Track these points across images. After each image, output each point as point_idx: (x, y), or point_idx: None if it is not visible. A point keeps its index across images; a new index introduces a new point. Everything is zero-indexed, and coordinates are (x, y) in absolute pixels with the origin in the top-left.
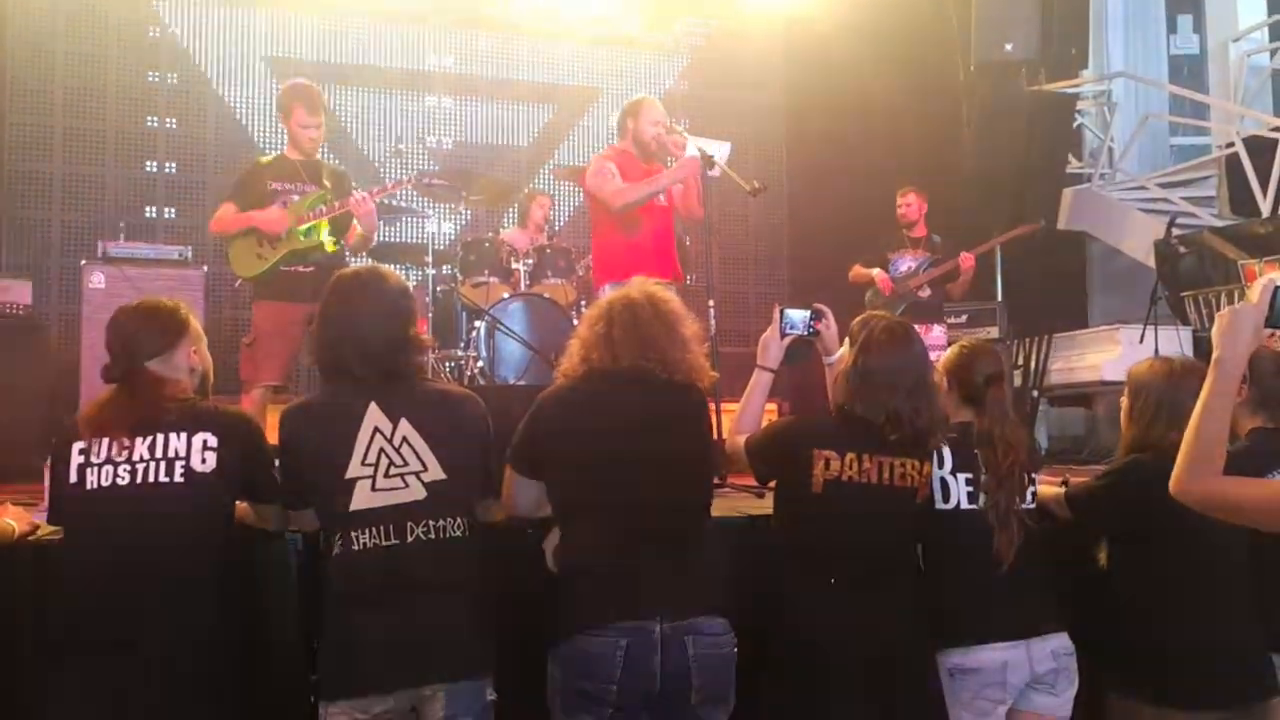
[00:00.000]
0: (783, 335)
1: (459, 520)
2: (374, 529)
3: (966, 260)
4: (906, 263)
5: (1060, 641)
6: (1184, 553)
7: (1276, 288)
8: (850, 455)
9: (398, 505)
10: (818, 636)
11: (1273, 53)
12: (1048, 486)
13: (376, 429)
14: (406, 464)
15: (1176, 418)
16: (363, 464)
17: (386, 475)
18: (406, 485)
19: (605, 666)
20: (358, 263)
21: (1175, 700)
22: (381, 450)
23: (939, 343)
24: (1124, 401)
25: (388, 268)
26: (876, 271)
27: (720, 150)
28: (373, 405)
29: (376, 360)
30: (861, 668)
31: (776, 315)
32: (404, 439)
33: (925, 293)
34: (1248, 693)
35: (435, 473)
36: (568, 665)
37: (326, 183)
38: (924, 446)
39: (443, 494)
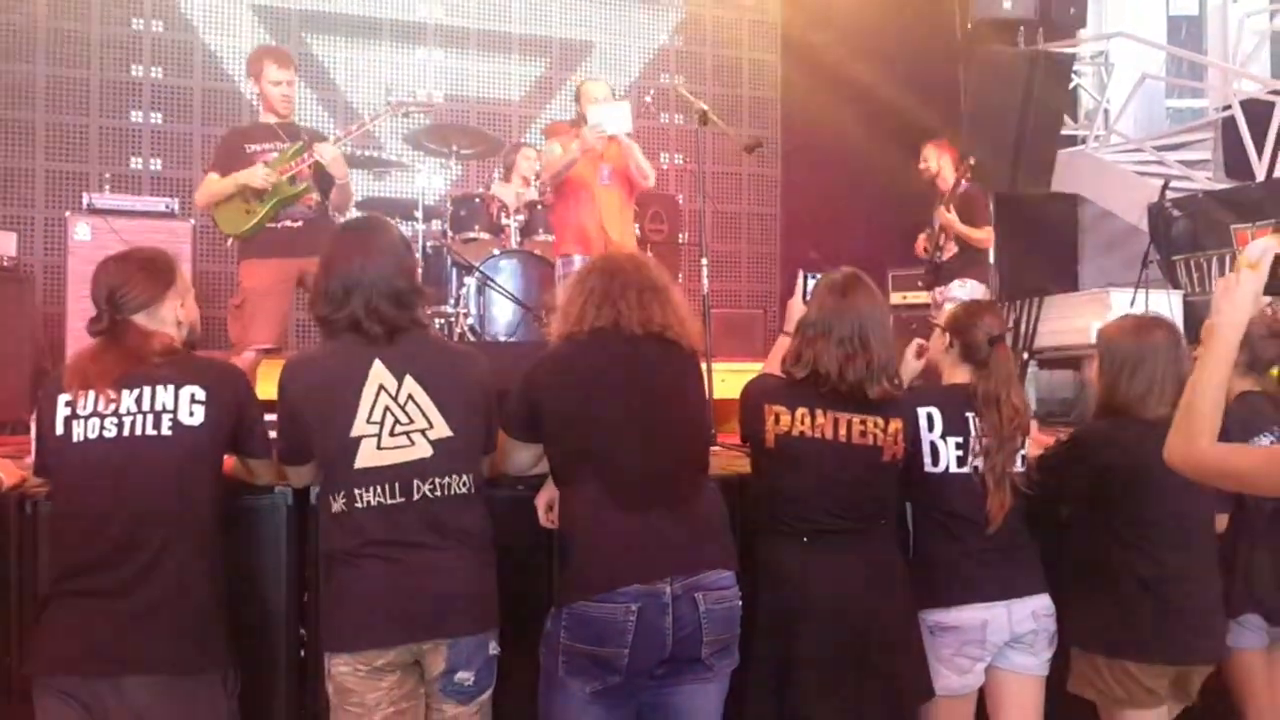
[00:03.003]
0: (805, 300)
1: (465, 477)
2: (379, 487)
3: (941, 217)
4: (938, 221)
5: (1041, 602)
6: (1140, 514)
7: (1277, 255)
8: (802, 410)
9: (404, 463)
10: (784, 592)
11: (1272, 14)
12: (1040, 442)
13: (381, 386)
14: (412, 421)
15: (1144, 374)
16: (368, 422)
17: (392, 434)
18: (413, 443)
19: (617, 632)
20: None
21: (1126, 652)
22: (387, 408)
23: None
24: (1094, 361)
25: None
26: (922, 235)
27: (609, 115)
28: (377, 362)
29: (382, 314)
30: (830, 623)
31: (800, 279)
32: (409, 396)
33: (950, 251)
34: (1199, 649)
35: (441, 430)
36: (575, 629)
37: (304, 138)
38: (870, 401)
39: (449, 451)
